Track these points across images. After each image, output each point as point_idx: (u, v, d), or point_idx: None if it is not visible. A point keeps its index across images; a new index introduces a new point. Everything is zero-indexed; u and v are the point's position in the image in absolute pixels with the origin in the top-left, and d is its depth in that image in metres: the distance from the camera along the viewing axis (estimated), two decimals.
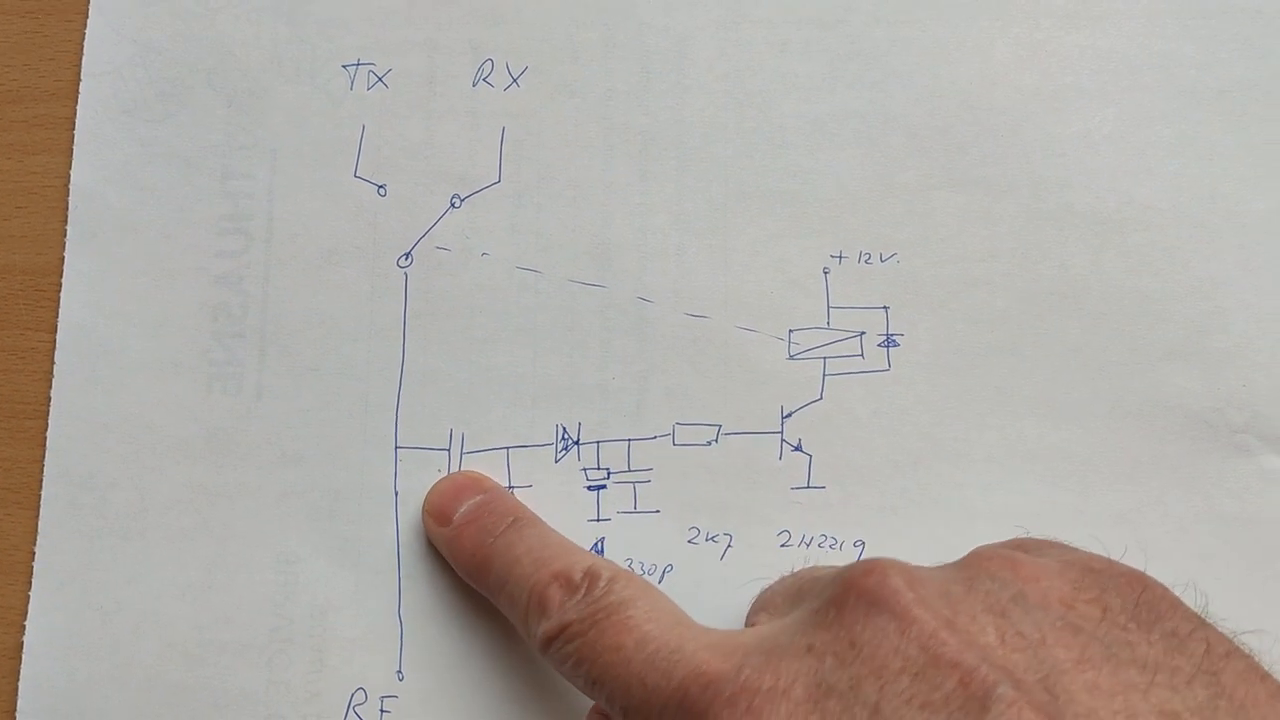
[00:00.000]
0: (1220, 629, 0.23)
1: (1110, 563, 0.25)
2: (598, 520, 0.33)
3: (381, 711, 0.32)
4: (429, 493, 0.33)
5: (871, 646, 0.22)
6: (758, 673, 0.23)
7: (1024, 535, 0.30)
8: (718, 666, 0.23)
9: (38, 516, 0.33)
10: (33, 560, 0.33)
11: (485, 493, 0.32)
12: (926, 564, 0.31)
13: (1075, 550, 0.28)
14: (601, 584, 0.27)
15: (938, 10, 0.35)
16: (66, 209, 0.35)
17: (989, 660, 0.21)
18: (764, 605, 0.28)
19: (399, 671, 0.32)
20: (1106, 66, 0.34)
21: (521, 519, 0.31)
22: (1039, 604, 0.23)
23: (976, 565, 0.24)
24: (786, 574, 0.30)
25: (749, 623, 0.29)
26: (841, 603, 0.23)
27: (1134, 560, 0.32)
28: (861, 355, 0.33)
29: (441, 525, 0.32)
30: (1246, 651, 0.23)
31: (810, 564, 0.32)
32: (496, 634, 0.32)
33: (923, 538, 0.32)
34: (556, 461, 0.33)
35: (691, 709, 0.23)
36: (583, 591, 0.27)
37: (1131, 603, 0.23)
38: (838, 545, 0.33)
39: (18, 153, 0.35)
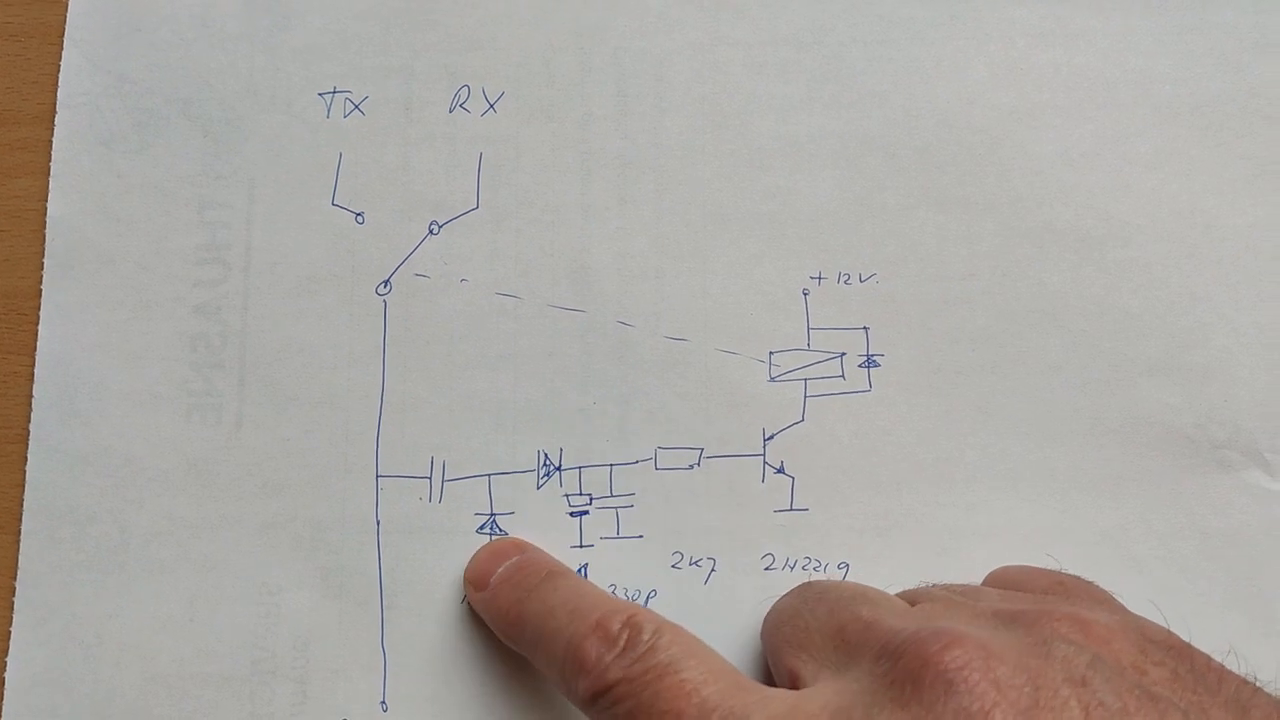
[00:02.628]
0: (1269, 692, 0.24)
1: (1157, 626, 0.25)
2: (580, 546, 0.33)
3: None
4: (469, 561, 0.32)
5: None
6: None
7: (1055, 568, 0.30)
8: None
9: (17, 541, 0.33)
10: (13, 585, 0.33)
11: (522, 553, 0.32)
12: (916, 585, 0.31)
13: (1116, 602, 0.29)
14: (645, 638, 0.26)
15: (914, 30, 0.35)
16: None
17: None
18: (801, 644, 0.27)
19: (383, 703, 0.32)
20: (1082, 84, 0.34)
21: (556, 572, 0.30)
22: (1115, 669, 0.23)
23: (1046, 625, 0.24)
24: (807, 589, 0.29)
25: (783, 660, 0.28)
26: (918, 680, 0.23)
27: (1122, 578, 0.32)
28: (842, 376, 0.33)
29: (480, 590, 0.31)
30: None
31: (797, 581, 0.32)
32: (480, 665, 0.32)
33: (907, 558, 0.32)
34: (538, 488, 0.33)
35: None
36: (622, 644, 0.26)
37: (1189, 668, 0.24)
38: (822, 567, 0.32)
39: None
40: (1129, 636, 0.24)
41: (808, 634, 0.27)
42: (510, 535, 0.33)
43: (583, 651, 0.26)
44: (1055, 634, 0.24)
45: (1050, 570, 0.31)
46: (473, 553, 0.33)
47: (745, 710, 0.24)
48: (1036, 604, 0.26)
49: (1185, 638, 0.28)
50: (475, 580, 0.32)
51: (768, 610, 0.31)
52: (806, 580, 0.30)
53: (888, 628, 0.25)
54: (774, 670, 0.29)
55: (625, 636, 0.26)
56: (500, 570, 0.31)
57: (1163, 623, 0.26)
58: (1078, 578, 0.30)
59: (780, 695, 0.24)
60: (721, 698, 0.24)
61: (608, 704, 0.25)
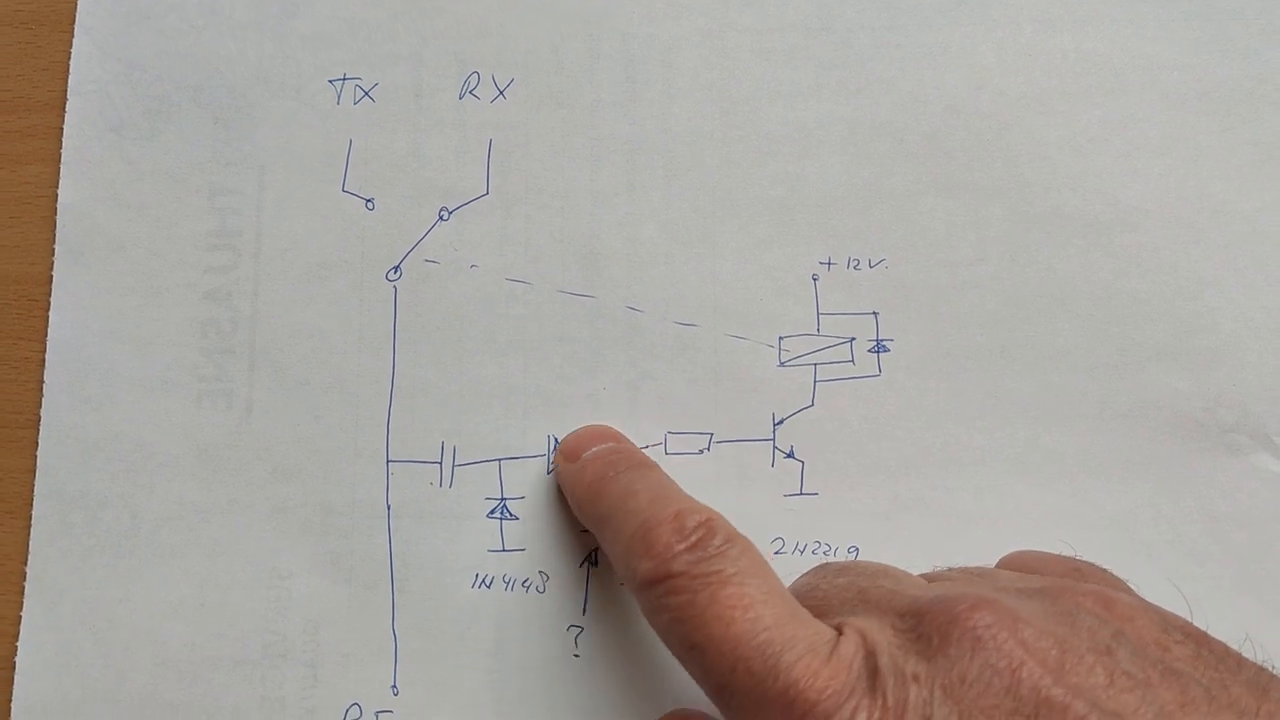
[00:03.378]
0: None
1: (1175, 614, 0.25)
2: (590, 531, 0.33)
3: None
4: (565, 437, 0.33)
5: (981, 685, 0.22)
6: (868, 700, 0.22)
7: (1071, 555, 0.30)
8: (825, 683, 0.23)
9: (29, 526, 0.33)
10: (24, 569, 0.33)
11: (618, 442, 0.32)
12: (928, 569, 0.32)
13: (1132, 589, 0.28)
14: (716, 541, 0.26)
15: (921, 17, 0.35)
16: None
17: (1100, 705, 0.21)
18: (820, 610, 0.27)
19: (393, 686, 0.32)
20: (1090, 70, 0.34)
21: (647, 463, 0.31)
22: (1137, 644, 0.23)
23: (1070, 599, 0.24)
24: (824, 567, 0.29)
25: None
26: (945, 635, 0.23)
27: (1131, 561, 0.32)
28: (852, 361, 0.33)
29: (570, 461, 0.32)
30: None
31: (807, 565, 0.32)
32: (490, 647, 0.32)
33: (916, 542, 0.32)
34: (548, 472, 0.33)
35: (796, 717, 0.23)
36: (693, 540, 0.26)
37: (1208, 650, 0.24)
38: (832, 551, 0.33)
39: (11, 163, 0.35)
40: (1150, 617, 0.24)
41: (826, 600, 0.27)
42: (608, 425, 0.33)
43: (654, 535, 0.26)
44: (1080, 606, 0.24)
45: (1065, 556, 0.30)
46: (482, 537, 0.33)
47: (793, 636, 0.24)
48: (1058, 582, 0.26)
49: (1193, 620, 0.28)
50: (569, 451, 0.32)
51: None
52: (821, 563, 0.30)
53: (911, 594, 0.25)
54: None
55: (699, 535, 0.26)
56: (595, 449, 0.32)
57: (1182, 608, 0.26)
58: (1093, 564, 0.30)
59: (824, 636, 0.24)
60: (774, 619, 0.24)
61: (663, 592, 0.25)
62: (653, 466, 0.31)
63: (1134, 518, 0.32)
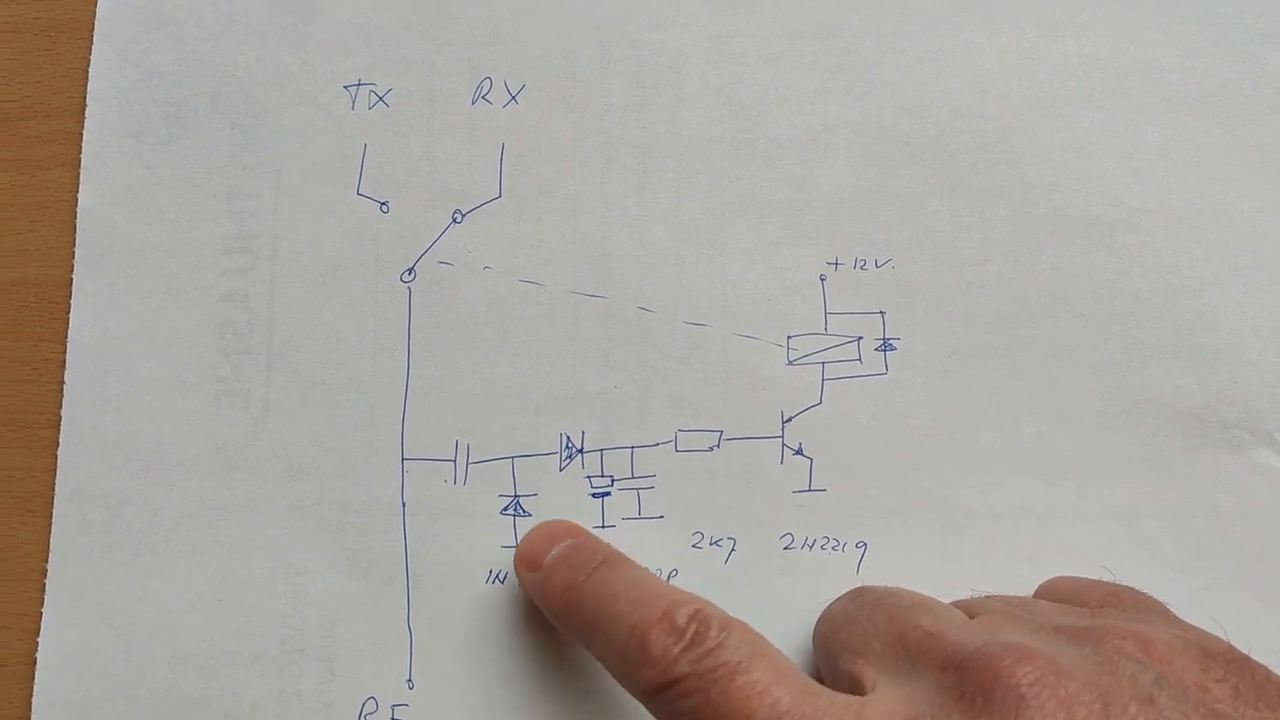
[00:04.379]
0: None
1: (1217, 639, 0.26)
2: (602, 527, 0.33)
3: None
4: (520, 542, 0.32)
5: None
6: None
7: (1110, 579, 0.31)
8: None
9: (50, 524, 0.34)
10: (44, 567, 0.34)
11: (575, 536, 0.31)
12: (935, 565, 0.32)
13: (1172, 614, 0.29)
14: (714, 634, 0.25)
15: (926, 22, 0.35)
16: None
17: None
18: (859, 649, 0.27)
19: (409, 680, 0.33)
20: (1092, 73, 0.35)
21: (613, 557, 0.30)
22: (1179, 688, 0.23)
23: (1109, 642, 0.24)
24: (861, 594, 0.29)
25: (840, 664, 0.28)
26: (989, 694, 0.23)
27: (1134, 556, 0.33)
28: (859, 360, 0.34)
29: (532, 571, 0.31)
30: None
31: (817, 563, 0.33)
32: (505, 643, 0.33)
33: (923, 538, 0.33)
34: (561, 470, 0.34)
35: None
36: (689, 637, 0.26)
37: (1249, 683, 0.24)
38: (840, 547, 0.33)
39: (31, 168, 0.36)
40: (1190, 654, 0.25)
41: (866, 640, 0.27)
42: (562, 519, 0.33)
43: (648, 641, 0.26)
44: (1120, 651, 0.24)
45: (1104, 582, 0.31)
46: (496, 534, 0.33)
47: (816, 714, 0.24)
48: (1097, 620, 0.26)
49: (1195, 617, 0.29)
50: (528, 560, 0.31)
51: (820, 615, 0.30)
52: (859, 586, 0.30)
53: (952, 640, 0.25)
54: (829, 674, 0.29)
55: (693, 630, 0.26)
56: (555, 551, 0.31)
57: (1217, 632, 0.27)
58: (1132, 589, 0.30)
59: (846, 701, 0.24)
60: (793, 700, 0.24)
61: (673, 698, 0.25)
62: (621, 559, 0.30)
63: (1137, 513, 0.33)
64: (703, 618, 0.26)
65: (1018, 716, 0.22)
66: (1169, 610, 0.29)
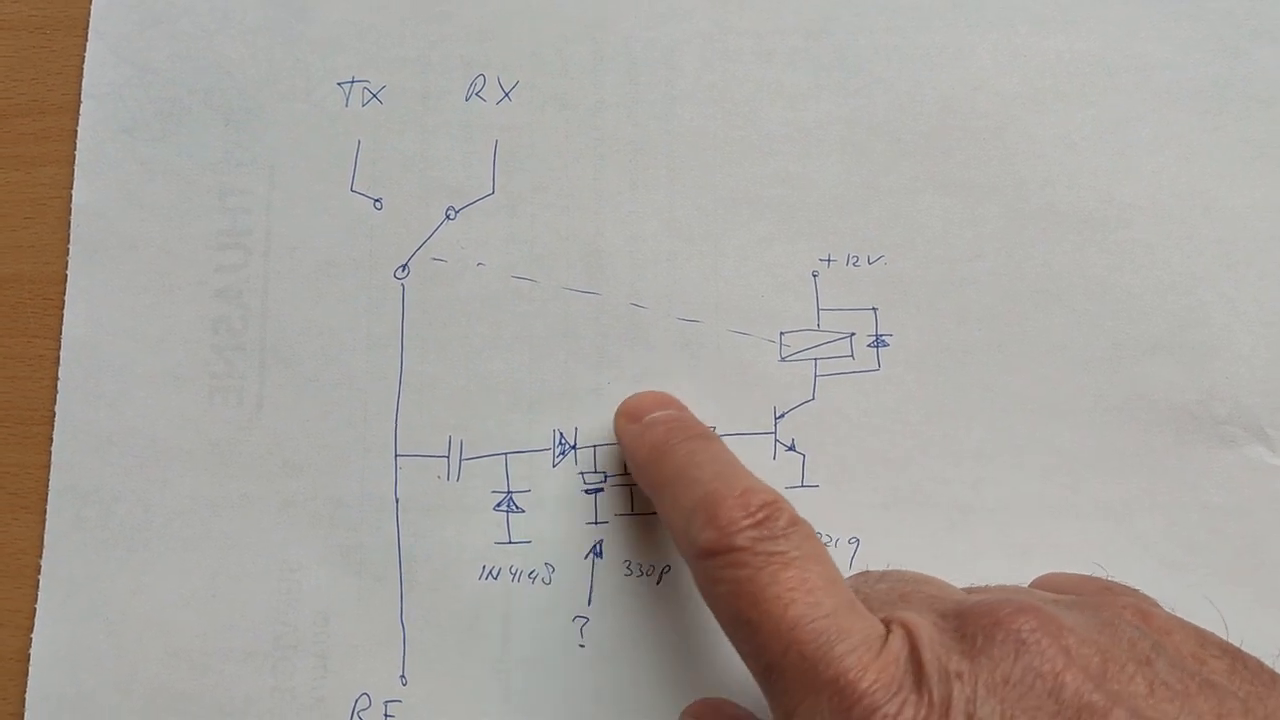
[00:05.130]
0: None
1: (1211, 632, 0.26)
2: (595, 523, 0.33)
3: (385, 716, 0.33)
4: (626, 400, 0.33)
5: (1024, 686, 0.22)
6: (914, 695, 0.23)
7: (1102, 575, 0.31)
8: (875, 676, 0.23)
9: (44, 521, 0.34)
10: (38, 562, 0.34)
11: (680, 410, 0.33)
12: (929, 560, 0.32)
13: (1164, 609, 0.29)
14: (781, 522, 0.26)
15: (918, 19, 0.36)
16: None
17: (1140, 713, 0.22)
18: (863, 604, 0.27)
19: (402, 676, 0.33)
20: (1084, 69, 0.35)
21: (711, 436, 0.31)
22: (1175, 656, 0.24)
23: (1111, 609, 0.25)
24: (863, 575, 0.29)
25: None
26: (989, 635, 0.23)
27: (1126, 552, 0.33)
28: (852, 356, 0.34)
29: (632, 422, 0.32)
30: None
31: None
32: (497, 637, 0.33)
33: (916, 533, 0.33)
34: (554, 466, 0.34)
35: (842, 710, 0.23)
36: (759, 518, 0.26)
37: (1244, 665, 0.24)
38: (833, 542, 0.33)
39: (26, 165, 0.36)
40: (1187, 631, 0.25)
41: (868, 600, 0.27)
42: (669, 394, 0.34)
43: (719, 507, 0.26)
44: (1120, 618, 0.24)
45: (1096, 578, 0.31)
46: (489, 530, 0.33)
47: (849, 626, 0.24)
48: (1097, 595, 0.27)
49: (1187, 612, 0.29)
50: (631, 412, 0.32)
51: None
52: (862, 570, 0.30)
53: (954, 598, 0.25)
54: None
55: (764, 514, 0.26)
56: (659, 414, 0.32)
57: (1217, 624, 0.27)
58: (1125, 585, 0.30)
59: (878, 626, 0.25)
60: (833, 607, 0.24)
61: (724, 564, 0.25)
62: (716, 439, 0.31)
63: (1129, 509, 0.33)
64: (776, 507, 0.26)
65: (1016, 659, 0.23)
66: (1162, 606, 0.29)
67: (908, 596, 0.27)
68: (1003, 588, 0.30)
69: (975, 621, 0.24)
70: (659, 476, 0.30)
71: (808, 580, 0.25)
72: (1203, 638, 0.25)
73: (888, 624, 0.25)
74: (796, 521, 0.26)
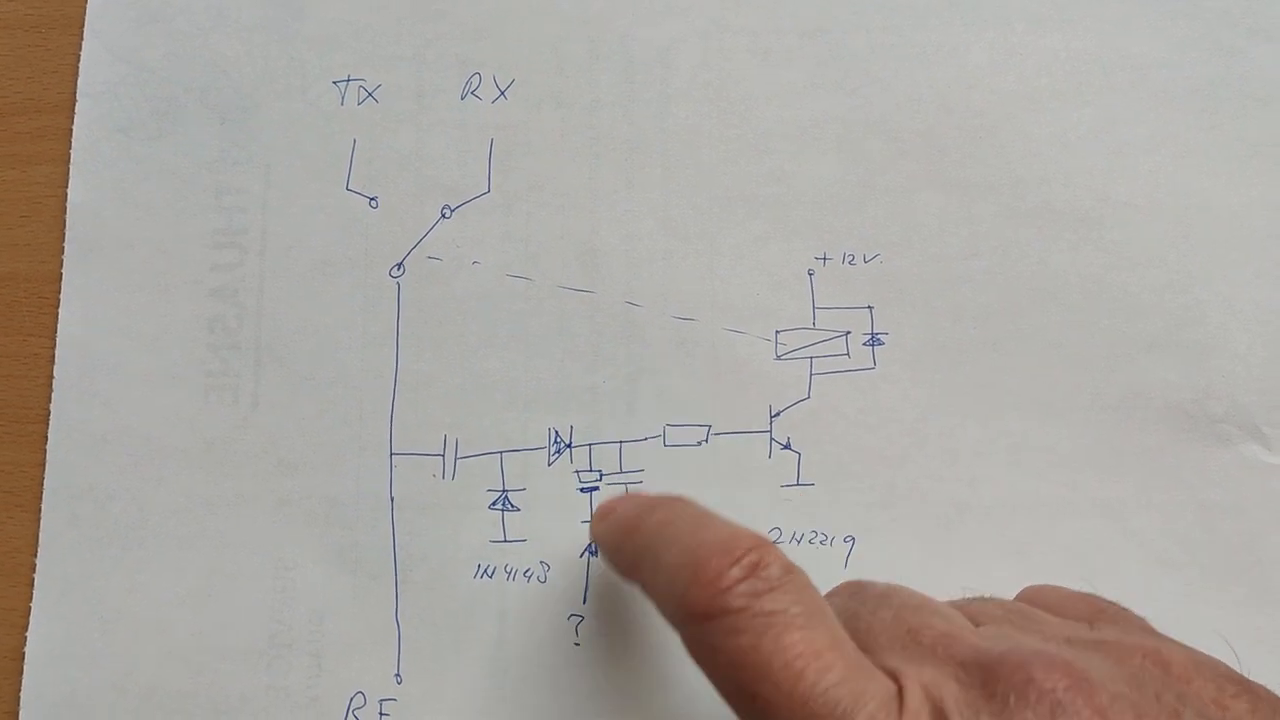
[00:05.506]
0: None
1: (1217, 660, 0.25)
2: (590, 521, 0.33)
3: (380, 715, 0.33)
4: (596, 507, 0.32)
5: None
6: None
7: (1089, 590, 0.30)
8: None
9: (39, 520, 0.34)
10: (33, 561, 0.34)
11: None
12: (924, 559, 0.32)
13: (1155, 630, 0.28)
14: (774, 571, 0.23)
15: (914, 17, 0.35)
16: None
17: None
18: (865, 646, 0.25)
19: (397, 675, 0.33)
20: (1080, 68, 0.35)
21: (682, 497, 0.28)
22: (1199, 705, 0.23)
23: (1132, 659, 0.24)
24: (860, 590, 0.27)
25: None
26: (1022, 695, 0.22)
27: (1122, 550, 0.33)
28: (847, 354, 0.34)
29: (601, 520, 0.30)
30: None
31: (805, 557, 0.33)
32: (492, 635, 0.33)
33: (911, 532, 0.33)
34: (549, 464, 0.34)
35: None
36: (747, 566, 0.23)
37: (1260, 700, 0.24)
38: (828, 541, 0.33)
39: (21, 163, 0.36)
40: (1204, 674, 0.24)
41: (871, 634, 0.25)
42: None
43: (702, 560, 0.24)
44: (1143, 670, 0.24)
45: (1086, 594, 0.30)
46: (484, 528, 0.33)
47: (862, 689, 0.22)
48: (1105, 634, 0.26)
49: (1183, 612, 0.29)
50: (599, 513, 0.30)
51: None
52: (853, 580, 0.29)
53: (972, 643, 0.24)
54: None
55: (752, 560, 0.23)
56: (622, 498, 0.30)
57: (1227, 655, 0.27)
58: (1114, 603, 0.29)
59: (888, 684, 0.23)
60: (845, 672, 0.22)
61: (718, 631, 0.23)
62: (687, 499, 0.28)
63: (1125, 507, 0.33)
64: (765, 552, 0.24)
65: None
66: (1151, 626, 0.28)
67: (917, 634, 0.24)
68: (1001, 605, 0.29)
69: (1005, 679, 0.22)
70: (632, 551, 0.27)
71: (815, 643, 0.23)
72: (1217, 676, 0.24)
73: (898, 678, 0.23)
74: (790, 569, 0.24)
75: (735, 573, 0.23)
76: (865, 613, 0.26)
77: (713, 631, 0.23)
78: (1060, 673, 0.22)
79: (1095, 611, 0.29)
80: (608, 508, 0.30)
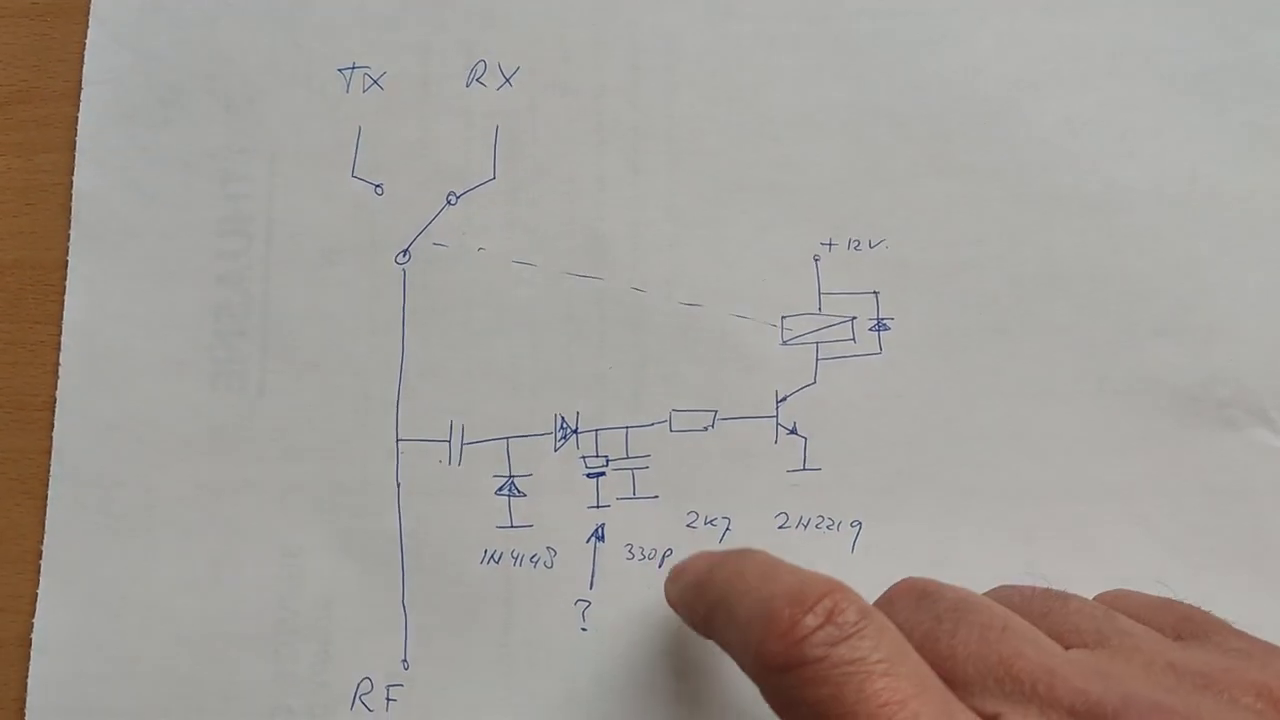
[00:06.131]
0: None
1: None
2: (598, 507, 0.33)
3: (388, 700, 0.33)
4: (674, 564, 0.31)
5: None
6: None
7: (1167, 594, 0.29)
8: None
9: (45, 507, 0.34)
10: (40, 549, 0.34)
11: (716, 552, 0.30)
12: (933, 543, 0.32)
13: (1248, 636, 0.27)
14: (850, 617, 0.23)
15: (920, 3, 0.35)
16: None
17: None
18: (953, 675, 0.24)
19: (404, 660, 0.33)
20: (1086, 54, 0.35)
21: (751, 549, 0.28)
22: None
23: (1241, 700, 0.23)
24: (928, 600, 0.26)
25: None
26: None
27: (1130, 535, 0.33)
28: (853, 340, 0.34)
29: (675, 581, 0.30)
30: None
31: (812, 543, 0.33)
32: (499, 621, 0.33)
33: (918, 517, 0.33)
34: (556, 450, 0.34)
35: None
36: (823, 614, 0.23)
37: None
38: (835, 526, 0.33)
39: (26, 151, 0.36)
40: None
41: (955, 662, 0.24)
42: None
43: (775, 612, 0.23)
44: (1255, 710, 0.23)
45: (1166, 600, 0.29)
46: (491, 514, 0.33)
47: None
48: (1211, 664, 0.25)
49: (1192, 596, 0.29)
50: (673, 576, 0.30)
51: None
52: (911, 581, 0.27)
53: (1077, 687, 0.23)
54: None
55: (827, 607, 0.23)
56: (691, 558, 0.30)
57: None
58: (1196, 608, 0.28)
59: (969, 715, 0.22)
60: (932, 714, 0.22)
61: (798, 683, 0.22)
62: (757, 550, 0.28)
63: (1133, 491, 0.33)
64: (841, 597, 0.23)
65: None
66: (1239, 630, 0.28)
67: (1010, 666, 0.23)
68: (1083, 607, 0.27)
69: None
70: (705, 605, 0.27)
71: (899, 690, 0.22)
72: None
73: (995, 717, 0.22)
74: (866, 612, 0.23)
75: (810, 621, 0.23)
76: (944, 634, 0.25)
77: (792, 683, 0.22)
78: (1139, 712, 0.21)
79: (1180, 620, 0.28)
80: (680, 569, 0.30)
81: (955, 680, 0.23)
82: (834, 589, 0.23)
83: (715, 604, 0.26)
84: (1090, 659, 0.25)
